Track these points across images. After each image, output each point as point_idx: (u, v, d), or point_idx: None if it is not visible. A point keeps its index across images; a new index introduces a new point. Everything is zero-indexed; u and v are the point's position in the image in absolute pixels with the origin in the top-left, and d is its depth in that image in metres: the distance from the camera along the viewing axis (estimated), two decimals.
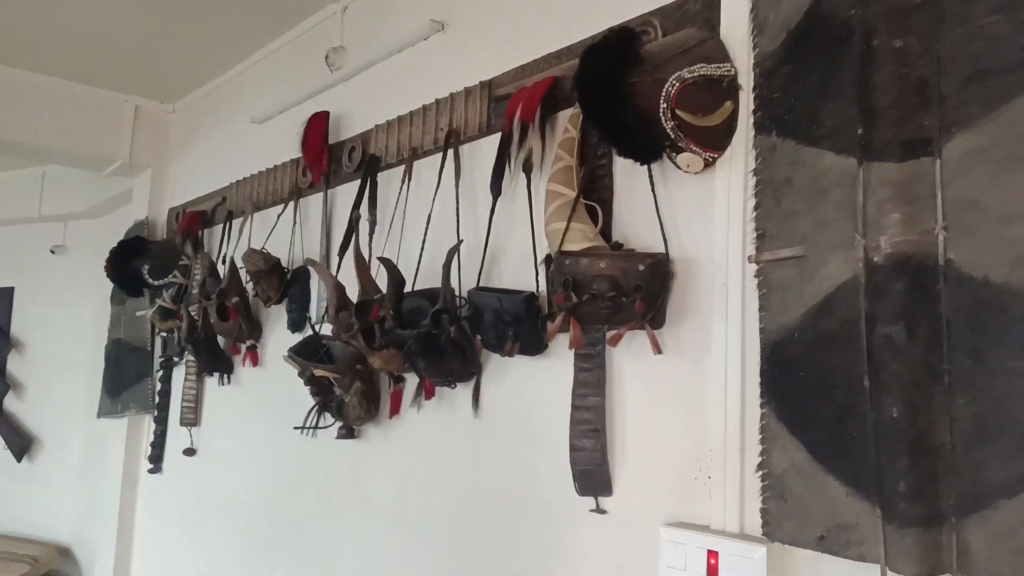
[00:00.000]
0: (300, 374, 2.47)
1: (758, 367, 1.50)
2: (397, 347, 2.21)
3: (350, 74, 2.86)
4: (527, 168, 2.06)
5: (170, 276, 3.63)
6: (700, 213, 1.71)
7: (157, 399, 3.87)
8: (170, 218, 4.05)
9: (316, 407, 2.56)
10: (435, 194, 2.34)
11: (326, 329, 2.58)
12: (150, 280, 3.69)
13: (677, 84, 1.62)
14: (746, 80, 1.65)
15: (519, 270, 2.10)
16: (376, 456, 2.54)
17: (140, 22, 3.32)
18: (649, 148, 1.64)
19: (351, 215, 2.52)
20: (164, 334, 3.85)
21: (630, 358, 1.81)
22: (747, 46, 1.65)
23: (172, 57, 3.66)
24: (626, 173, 1.87)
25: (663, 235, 1.71)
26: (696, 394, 1.67)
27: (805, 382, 1.30)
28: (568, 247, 1.77)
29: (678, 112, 1.63)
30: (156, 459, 3.83)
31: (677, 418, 1.70)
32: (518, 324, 1.95)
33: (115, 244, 3.84)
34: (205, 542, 3.45)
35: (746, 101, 1.65)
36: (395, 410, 2.42)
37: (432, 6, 2.53)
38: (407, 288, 2.27)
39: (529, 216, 2.04)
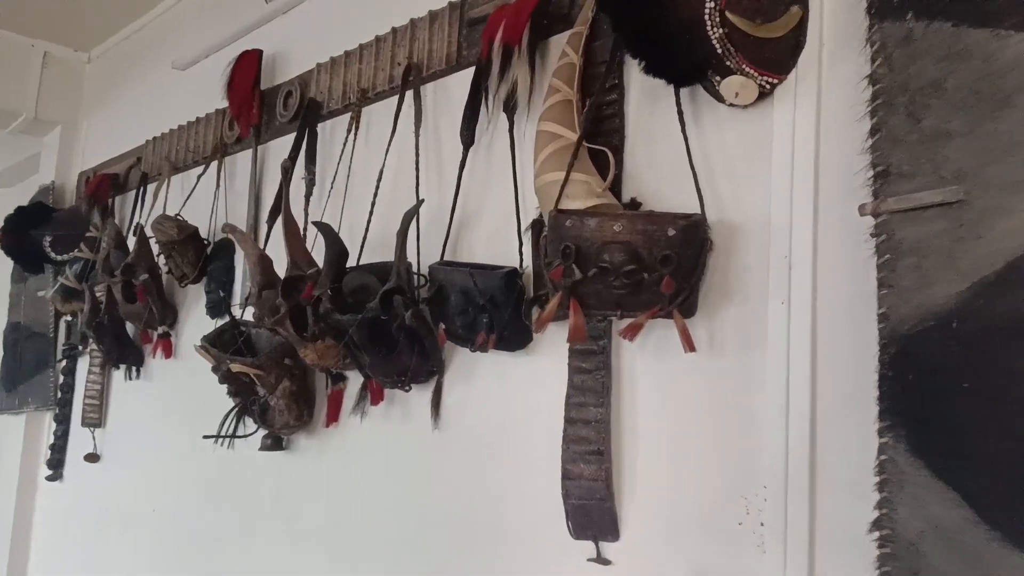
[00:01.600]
0: (214, 369, 1.97)
1: (846, 371, 1.06)
2: (336, 337, 1.72)
3: (288, 4, 2.36)
4: (510, 107, 1.58)
5: (75, 250, 3.08)
6: (749, 161, 1.26)
7: (59, 394, 3.31)
8: (80, 183, 3.48)
9: (234, 411, 2.06)
10: (389, 145, 1.85)
11: (251, 315, 2.08)
12: (52, 254, 3.15)
13: None
14: None
15: (496, 239, 1.63)
16: (308, 471, 2.05)
17: None
18: (689, 62, 1.18)
19: (282, 167, 2.01)
20: (68, 318, 3.30)
21: (645, 356, 1.35)
22: None
23: None
24: (642, 110, 1.42)
25: (697, 191, 1.26)
26: (742, 408, 1.22)
27: (966, 398, 0.86)
28: (568, 204, 1.31)
29: (728, 16, 1.18)
30: (56, 464, 3.27)
31: (713, 440, 1.25)
32: (495, 309, 1.49)
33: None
34: (109, 561, 2.91)
35: (818, 7, 1.20)
36: (333, 417, 1.93)
37: None
38: (351, 261, 1.79)
39: (511, 169, 1.58)
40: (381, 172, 1.84)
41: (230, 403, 2.10)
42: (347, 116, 2.03)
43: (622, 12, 1.17)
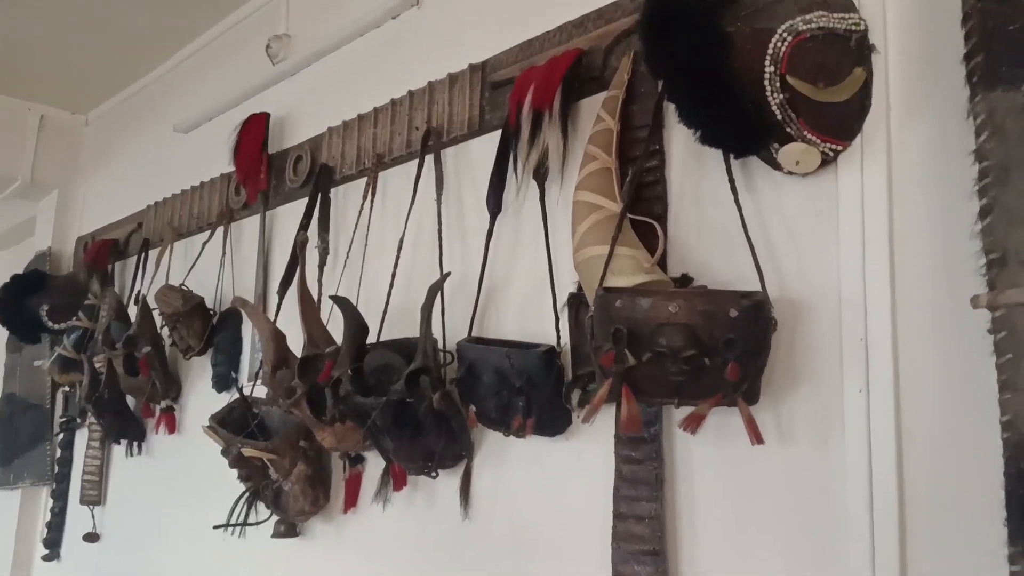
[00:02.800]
0: (224, 452, 1.84)
1: (942, 472, 0.95)
2: (357, 420, 1.60)
3: (297, 66, 2.28)
4: (541, 174, 1.49)
5: (73, 319, 2.96)
6: (813, 232, 1.16)
7: (56, 468, 3.17)
8: (78, 248, 3.38)
9: (246, 495, 1.93)
10: (409, 213, 1.76)
11: (261, 390, 1.96)
12: (48, 323, 3.04)
13: (790, 38, 1.08)
14: (881, 39, 1.12)
15: (528, 313, 1.53)
16: (324, 560, 1.92)
17: (49, 15, 2.73)
18: (752, 132, 1.09)
19: (296, 240, 1.92)
20: (66, 389, 3.17)
21: (701, 444, 1.24)
22: None
23: (86, 58, 3.06)
24: (687, 175, 1.33)
25: (756, 265, 1.16)
26: (818, 505, 1.11)
27: None
28: (615, 281, 1.20)
29: (790, 80, 1.09)
30: (52, 543, 3.11)
31: (786, 540, 1.13)
32: (532, 390, 1.38)
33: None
34: None
35: (883, 68, 1.12)
36: (351, 502, 1.81)
37: None
38: (371, 338, 1.68)
39: (543, 239, 1.48)
40: (401, 241, 1.74)
41: (238, 481, 1.97)
42: (361, 182, 1.95)
43: (676, 79, 1.08)
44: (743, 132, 1.08)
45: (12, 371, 3.52)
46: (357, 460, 1.81)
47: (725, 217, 1.24)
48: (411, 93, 1.84)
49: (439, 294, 1.59)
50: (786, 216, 1.19)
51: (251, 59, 2.46)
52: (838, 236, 1.12)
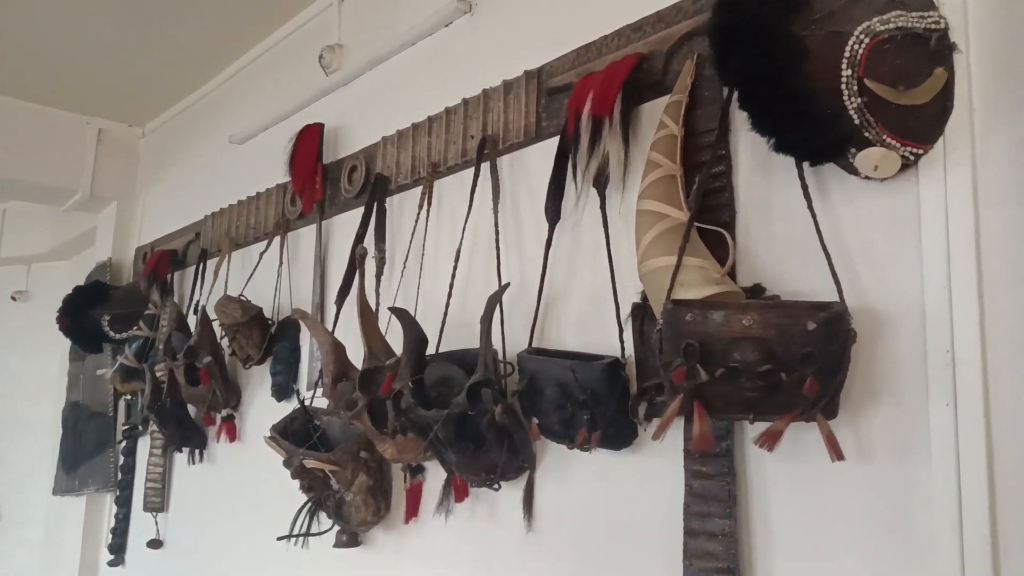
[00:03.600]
0: (286, 463, 1.85)
1: None
2: (418, 432, 1.60)
3: (350, 76, 2.29)
4: (601, 182, 1.47)
5: (134, 328, 3.02)
6: (892, 240, 1.12)
7: (119, 475, 3.24)
8: (137, 259, 3.45)
9: (308, 505, 1.94)
10: (465, 222, 1.75)
11: (321, 399, 1.97)
12: (110, 333, 3.11)
13: (867, 40, 1.04)
14: (963, 37, 1.07)
15: (589, 324, 1.51)
16: (386, 570, 1.92)
17: (104, 31, 2.78)
18: (830, 139, 1.05)
19: (353, 251, 1.92)
20: (128, 397, 3.24)
21: (776, 460, 1.20)
22: None
23: (141, 72, 3.11)
24: (755, 183, 1.29)
25: (833, 275, 1.11)
26: (901, 525, 1.07)
27: None
28: (683, 293, 1.17)
29: (867, 83, 1.05)
30: (117, 549, 3.18)
31: (869, 560, 1.09)
32: (597, 404, 1.35)
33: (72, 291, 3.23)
34: None
35: (965, 68, 1.07)
36: (412, 512, 1.80)
37: None
38: (430, 349, 1.67)
39: (605, 248, 1.45)
40: (458, 252, 1.73)
41: (300, 491, 1.98)
42: (416, 191, 1.94)
43: (748, 88, 1.04)
44: (820, 139, 1.04)
45: (76, 380, 3.61)
46: (418, 470, 1.81)
47: (797, 225, 1.20)
48: (465, 101, 1.83)
49: (499, 305, 1.57)
50: (863, 224, 1.14)
51: (305, 70, 2.48)
52: (920, 245, 1.08)
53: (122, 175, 3.62)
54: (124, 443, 3.24)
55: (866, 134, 1.06)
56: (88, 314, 3.17)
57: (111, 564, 3.18)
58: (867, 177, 1.11)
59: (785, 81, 1.00)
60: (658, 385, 1.33)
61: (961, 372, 1.02)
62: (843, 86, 1.04)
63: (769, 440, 1.08)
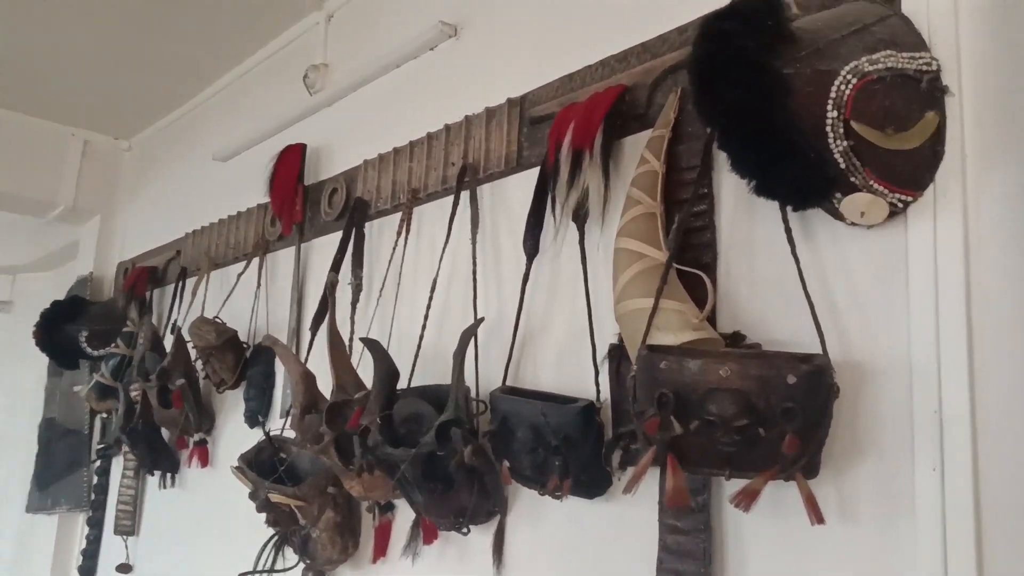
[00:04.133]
0: (251, 495, 1.78)
1: None
2: (386, 471, 1.53)
3: (334, 97, 2.24)
4: (580, 216, 1.41)
5: (111, 345, 2.95)
6: (878, 289, 1.06)
7: (92, 496, 3.16)
8: (119, 274, 3.39)
9: (274, 540, 1.87)
10: (443, 251, 1.69)
11: (291, 430, 1.90)
12: (88, 349, 3.04)
13: (855, 81, 0.99)
14: (956, 79, 1.02)
15: (566, 362, 1.45)
16: None
17: (92, 41, 2.73)
18: (814, 183, 0.99)
19: (327, 280, 1.86)
20: (103, 415, 3.17)
21: (755, 517, 1.13)
22: (952, 26, 1.04)
23: (128, 84, 3.06)
24: (738, 222, 1.24)
25: (816, 325, 1.06)
26: None
27: None
28: (660, 338, 1.12)
29: (854, 126, 0.99)
30: (87, 571, 3.10)
31: None
32: (570, 449, 1.29)
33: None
34: None
35: (957, 112, 1.02)
36: (380, 551, 1.74)
37: (441, 5, 1.92)
38: (403, 382, 1.61)
39: (583, 284, 1.40)
40: (435, 281, 1.67)
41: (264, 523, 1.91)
42: (396, 216, 1.89)
43: (728, 126, 0.99)
44: (802, 183, 0.99)
45: (52, 396, 3.53)
46: (387, 508, 1.74)
47: (781, 269, 1.15)
48: (447, 127, 1.78)
49: (473, 339, 1.51)
50: (849, 271, 1.09)
51: (289, 88, 2.43)
52: (908, 295, 1.02)
53: (106, 188, 3.56)
54: (98, 463, 3.16)
55: (852, 179, 1.01)
56: (65, 329, 3.10)
57: None
58: (853, 223, 1.06)
59: (767, 120, 0.94)
60: (633, 432, 1.27)
61: (949, 432, 0.96)
62: (828, 128, 0.98)
63: (746, 499, 1.02)
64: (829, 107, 0.99)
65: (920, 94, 1.01)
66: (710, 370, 1.02)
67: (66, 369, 3.27)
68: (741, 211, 1.23)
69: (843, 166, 1.00)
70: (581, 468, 1.30)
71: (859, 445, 1.05)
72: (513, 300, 1.52)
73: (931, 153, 1.01)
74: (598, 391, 1.33)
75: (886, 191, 1.01)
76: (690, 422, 1.02)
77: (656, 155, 1.28)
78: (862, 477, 1.04)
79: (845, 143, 0.99)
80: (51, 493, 3.36)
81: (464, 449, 1.40)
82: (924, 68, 1.02)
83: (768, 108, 1.00)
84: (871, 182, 1.01)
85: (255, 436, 2.11)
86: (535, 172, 1.54)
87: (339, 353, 1.67)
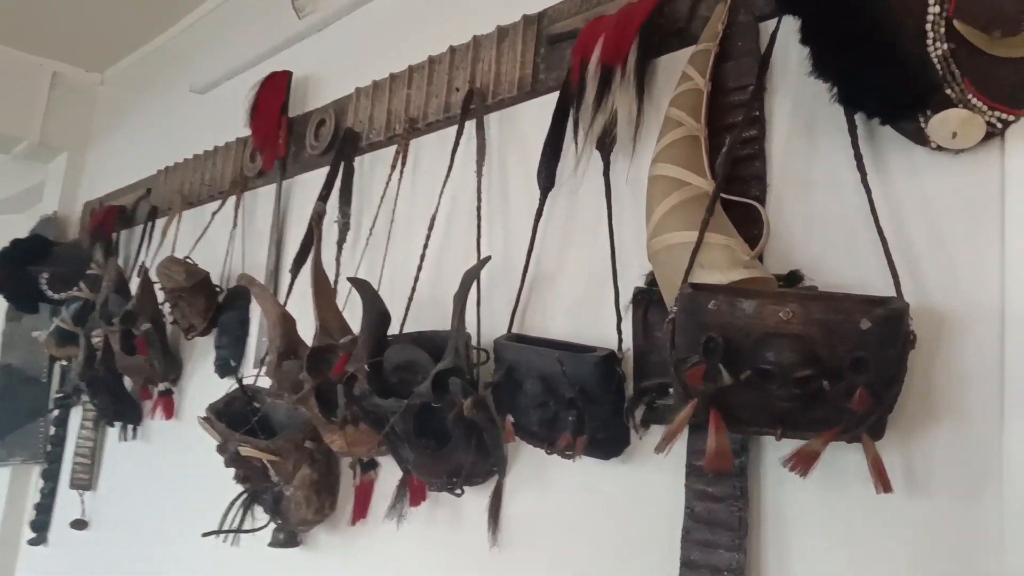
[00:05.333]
0: (219, 448, 1.62)
1: None
2: (373, 424, 1.37)
3: (325, 21, 2.05)
4: (607, 143, 1.25)
5: (74, 289, 2.76)
6: (965, 227, 0.91)
7: (49, 447, 2.97)
8: (85, 214, 3.18)
9: (243, 498, 1.70)
10: (443, 186, 1.52)
11: (267, 380, 1.74)
12: (49, 293, 2.83)
13: None
14: None
15: (581, 309, 1.29)
16: (328, 574, 1.69)
17: None
18: (909, 90, 0.84)
19: (314, 210, 1.69)
20: (64, 363, 2.97)
21: (800, 485, 0.99)
22: None
23: (103, 12, 2.83)
24: (793, 151, 1.08)
25: (890, 265, 0.91)
26: (962, 573, 0.86)
27: None
28: (704, 276, 0.96)
29: (956, 25, 0.84)
30: (40, 527, 2.92)
31: None
32: (586, 404, 1.14)
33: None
34: None
35: None
36: (360, 513, 1.58)
37: None
38: (394, 329, 1.45)
39: (607, 221, 1.23)
40: (433, 219, 1.50)
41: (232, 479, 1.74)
42: (391, 150, 1.71)
43: (815, 16, 0.83)
44: (899, 91, 0.83)
45: (11, 341, 3.32)
46: (370, 466, 1.59)
47: (844, 203, 1.00)
48: (452, 49, 1.60)
49: (476, 282, 1.35)
50: (928, 205, 0.94)
51: (276, 13, 2.23)
52: (1002, 234, 0.87)
53: (76, 123, 3.34)
54: (57, 412, 2.97)
55: (947, 91, 0.86)
56: (26, 271, 2.89)
57: (32, 543, 2.91)
58: (939, 147, 0.91)
59: (864, 10, 0.78)
60: (660, 386, 1.12)
61: None
62: (928, 26, 0.83)
63: (802, 463, 0.88)
64: (931, 1, 0.83)
65: None
66: (767, 312, 0.87)
67: (25, 313, 3.06)
68: (797, 139, 1.08)
69: (942, 73, 0.84)
70: (598, 425, 1.15)
71: (935, 404, 0.90)
72: (522, 240, 1.36)
73: None
74: (620, 339, 1.18)
75: (985, 107, 0.86)
76: (741, 371, 0.87)
77: (701, 72, 1.12)
78: (938, 442, 0.89)
79: (945, 46, 0.84)
80: (6, 444, 3.16)
81: (463, 401, 1.24)
82: None
83: (849, 7, 0.84)
84: (969, 96, 0.86)
85: (225, 387, 1.92)
86: (552, 98, 1.37)
87: (323, 291, 1.50)
